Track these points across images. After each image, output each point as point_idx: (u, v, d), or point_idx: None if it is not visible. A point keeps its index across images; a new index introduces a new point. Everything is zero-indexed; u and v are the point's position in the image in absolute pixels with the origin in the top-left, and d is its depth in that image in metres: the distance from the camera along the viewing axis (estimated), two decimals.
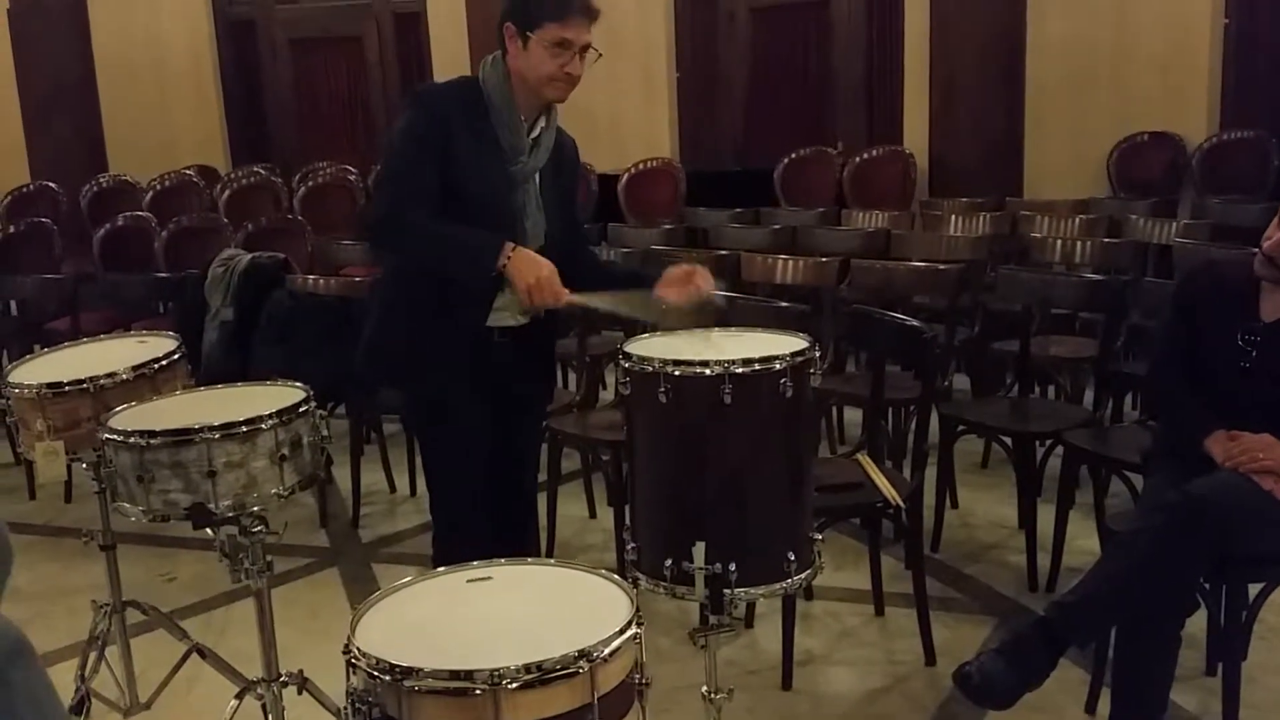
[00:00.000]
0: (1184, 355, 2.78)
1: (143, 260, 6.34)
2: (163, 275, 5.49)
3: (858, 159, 7.56)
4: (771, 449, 2.25)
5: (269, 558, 2.39)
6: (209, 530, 2.37)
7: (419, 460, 3.00)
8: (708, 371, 2.17)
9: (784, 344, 2.31)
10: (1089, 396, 4.73)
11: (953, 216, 6.03)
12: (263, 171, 8.43)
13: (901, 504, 3.08)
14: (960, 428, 3.91)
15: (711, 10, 9.00)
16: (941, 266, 4.34)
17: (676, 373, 2.19)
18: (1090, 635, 2.61)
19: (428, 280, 2.64)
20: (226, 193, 7.77)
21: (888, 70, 8.15)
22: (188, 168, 8.94)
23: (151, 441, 2.22)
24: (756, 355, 2.20)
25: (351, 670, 1.56)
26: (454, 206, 2.58)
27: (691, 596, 2.21)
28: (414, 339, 2.66)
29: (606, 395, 5.10)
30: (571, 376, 5.11)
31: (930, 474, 3.86)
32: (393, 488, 4.94)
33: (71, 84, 9.84)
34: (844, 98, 8.42)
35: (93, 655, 2.93)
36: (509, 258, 2.48)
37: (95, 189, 8.30)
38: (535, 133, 2.68)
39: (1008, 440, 3.89)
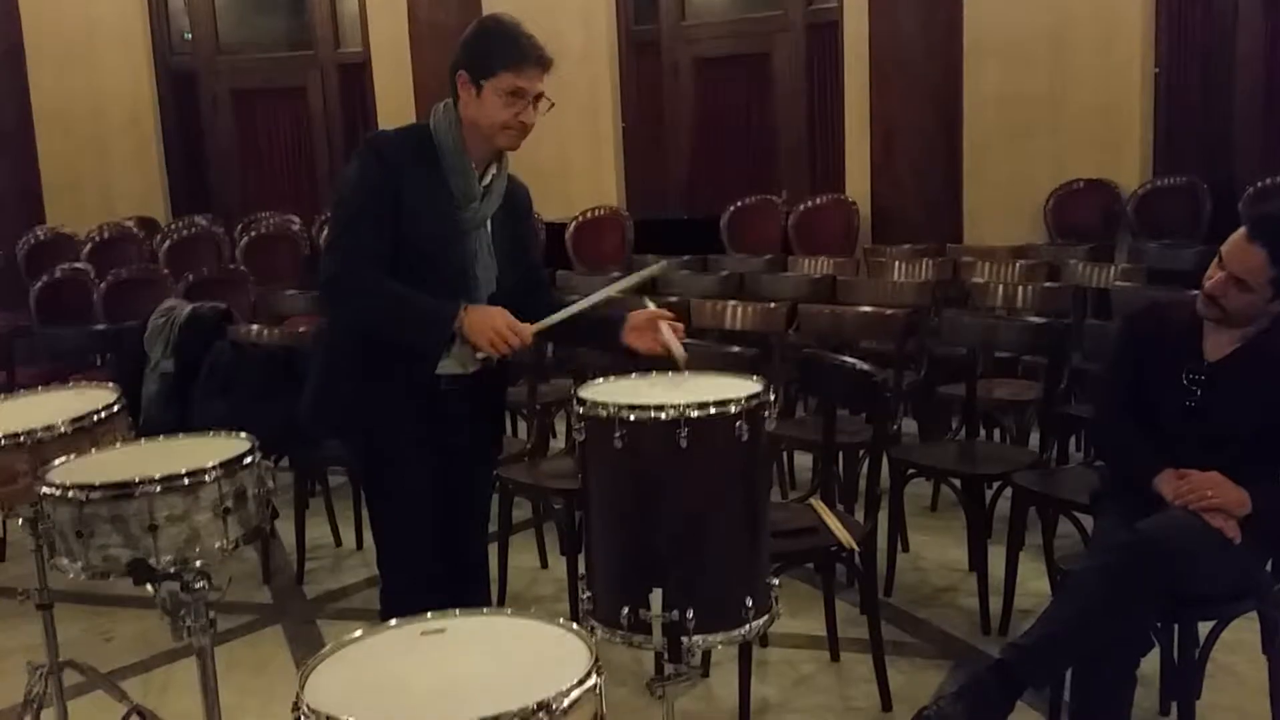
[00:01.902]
0: (1130, 396, 2.81)
1: (81, 313, 6.22)
2: (100, 327, 5.38)
3: (802, 206, 7.66)
4: (728, 493, 2.24)
5: (212, 614, 2.31)
6: (149, 587, 2.29)
7: (365, 513, 2.94)
8: (663, 416, 2.16)
9: (738, 387, 2.30)
10: (1034, 439, 4.79)
11: (896, 262, 6.11)
12: (204, 222, 8.33)
13: (856, 548, 3.07)
14: (910, 471, 3.92)
15: (656, 62, 9.12)
16: (888, 311, 4.38)
17: (631, 418, 2.17)
18: (1047, 677, 2.61)
19: (372, 335, 2.60)
20: (167, 243, 7.67)
21: (828, 120, 8.29)
22: (127, 219, 8.81)
23: (91, 495, 2.15)
24: (712, 399, 2.20)
25: None
26: (404, 253, 2.55)
27: (649, 645, 2.18)
28: (360, 389, 2.62)
29: (557, 444, 5.05)
30: (521, 425, 5.06)
31: (882, 518, 3.87)
32: (339, 541, 4.85)
33: (8, 134, 9.68)
34: (786, 147, 8.54)
35: (29, 718, 2.82)
36: (462, 321, 2.46)
37: (32, 241, 8.14)
38: (487, 180, 2.66)
39: (957, 483, 3.92)
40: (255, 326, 4.81)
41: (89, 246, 7.80)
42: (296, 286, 6.15)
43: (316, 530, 4.78)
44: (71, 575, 2.26)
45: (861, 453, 4.18)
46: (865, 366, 3.24)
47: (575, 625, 1.71)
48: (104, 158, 9.92)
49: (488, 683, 1.57)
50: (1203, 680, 2.66)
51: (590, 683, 1.54)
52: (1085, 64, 7.13)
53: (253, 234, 7.66)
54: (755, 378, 2.38)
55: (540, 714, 1.46)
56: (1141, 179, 7.13)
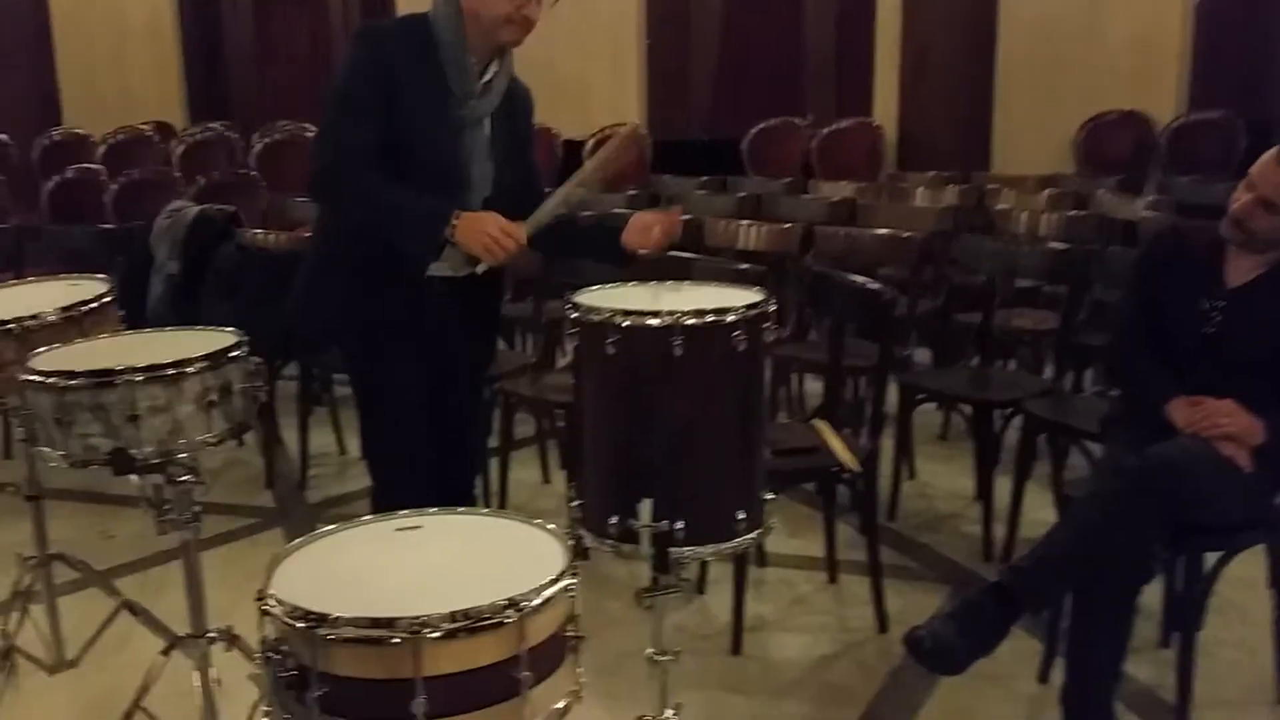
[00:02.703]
0: (1146, 321, 2.72)
1: (92, 214, 6.16)
2: (108, 227, 5.32)
3: (826, 130, 7.49)
4: (722, 404, 2.17)
5: (197, 508, 2.28)
6: (134, 479, 2.27)
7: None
8: (657, 322, 2.09)
9: (738, 297, 2.23)
10: (1050, 371, 4.71)
11: (919, 188, 5.98)
12: (219, 128, 8.23)
13: (857, 469, 3.01)
14: (920, 396, 3.85)
15: None
16: (905, 235, 4.28)
17: (624, 323, 2.10)
18: (1044, 600, 2.55)
19: (364, 233, 2.53)
20: (181, 148, 7.58)
21: (858, 43, 8.07)
22: (144, 124, 8.72)
23: (71, 383, 2.11)
24: (709, 307, 2.13)
25: (266, 619, 1.46)
26: (397, 149, 2.47)
27: (637, 555, 2.14)
28: (350, 289, 2.56)
29: (563, 363, 5.00)
30: (528, 342, 5.01)
31: (889, 445, 3.81)
32: (343, 449, 4.84)
33: (26, 39, 9.57)
34: (814, 70, 8.35)
35: (16, 611, 2.82)
36: (454, 227, 2.37)
37: (47, 142, 8.07)
38: (487, 76, 2.57)
39: (967, 410, 3.85)
40: (262, 231, 4.74)
41: (103, 149, 7.74)
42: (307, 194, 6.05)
43: (322, 439, 4.77)
44: (53, 464, 2.23)
45: (869, 376, 4.12)
46: (874, 285, 3.15)
47: (552, 526, 1.66)
48: (122, 63, 9.81)
49: (459, 578, 1.53)
50: (1204, 612, 2.60)
51: (564, 583, 1.50)
52: None
53: (267, 140, 7.55)
54: (757, 289, 2.30)
55: (509, 610, 1.42)
56: (1176, 112, 6.94)
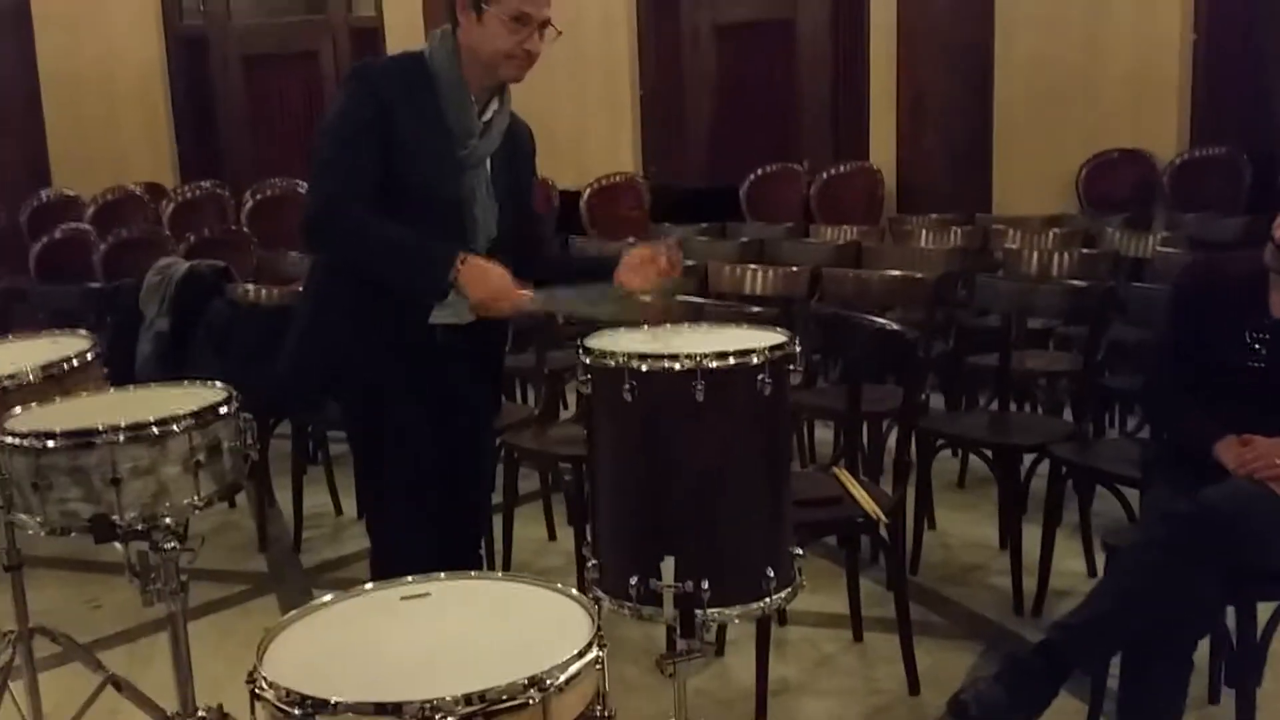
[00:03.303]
0: (1185, 357, 2.59)
1: (80, 273, 6.04)
2: (95, 285, 5.19)
3: (825, 175, 7.42)
4: (748, 453, 2.03)
5: (184, 577, 2.12)
6: (117, 546, 2.11)
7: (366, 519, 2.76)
8: (677, 366, 1.95)
9: (760, 339, 2.10)
10: (1067, 413, 4.57)
11: (923, 231, 5.87)
12: (210, 186, 8.15)
13: (884, 519, 2.86)
14: (939, 442, 3.70)
15: (675, 27, 8.86)
16: (918, 275, 4.15)
17: (643, 368, 1.96)
18: (1098, 659, 2.39)
19: (364, 277, 2.40)
20: (171, 206, 7.48)
21: (853, 89, 8.03)
22: (135, 184, 8.63)
23: (49, 444, 1.96)
24: (732, 348, 1.99)
25: (256, 702, 1.30)
26: (397, 194, 2.35)
27: (659, 618, 1.98)
28: (348, 340, 2.43)
29: (567, 415, 4.86)
30: (530, 394, 4.87)
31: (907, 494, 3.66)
32: (339, 509, 4.67)
33: (15, 100, 9.50)
34: (809, 115, 8.29)
35: None
36: (458, 270, 2.23)
37: (36, 204, 7.97)
38: (487, 115, 2.46)
39: (988, 455, 3.70)
40: (254, 286, 4.61)
41: (93, 209, 7.64)
42: (301, 251, 5.93)
43: (316, 499, 4.61)
44: (30, 531, 2.07)
45: (887, 423, 3.98)
46: (895, 326, 3.02)
47: (575, 591, 1.51)
48: (113, 125, 9.75)
49: (473, 653, 1.37)
50: (1264, 666, 2.44)
51: (591, 655, 1.34)
52: (1121, 30, 6.87)
53: (259, 197, 7.46)
54: (779, 330, 2.17)
55: (532, 691, 1.26)
56: (1178, 149, 6.87)
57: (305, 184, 7.72)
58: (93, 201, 7.87)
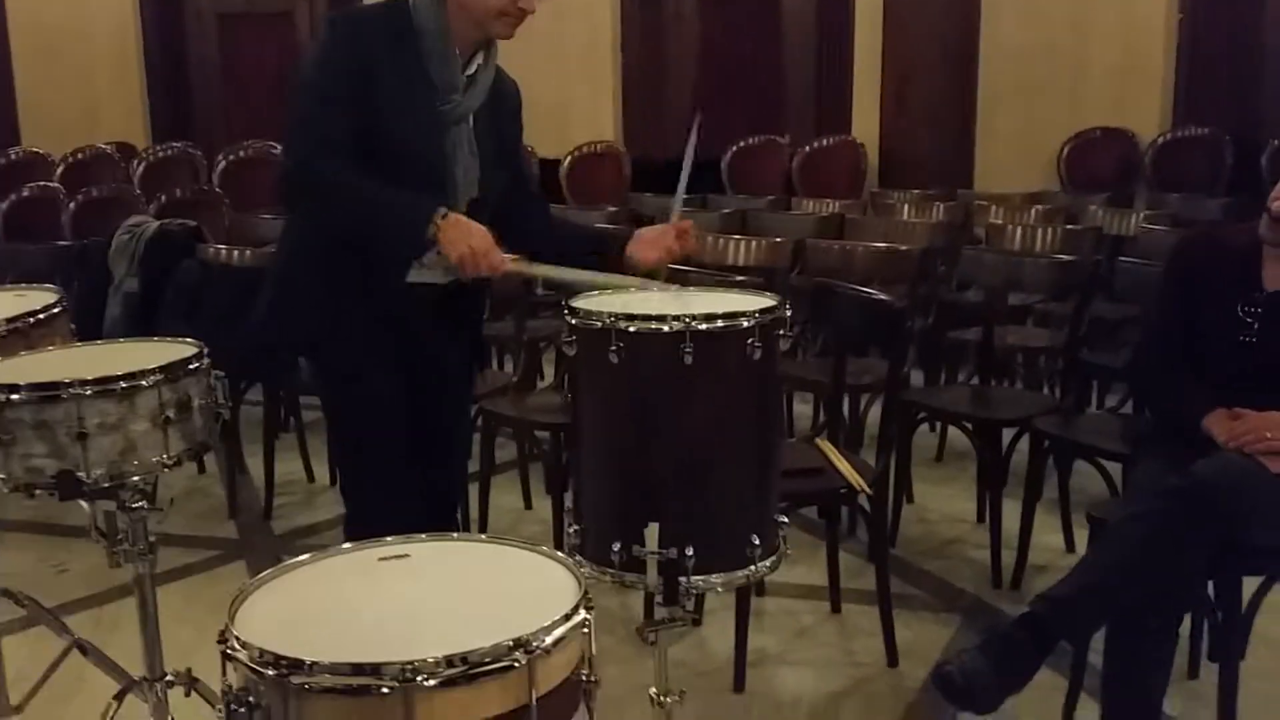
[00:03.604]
0: (1176, 330, 2.56)
1: (49, 234, 5.89)
2: (64, 244, 5.07)
3: (807, 148, 7.36)
4: (736, 418, 1.98)
5: (152, 538, 2.06)
6: (82, 505, 2.04)
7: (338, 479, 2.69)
8: (666, 328, 1.89)
9: (751, 302, 2.04)
10: (1049, 390, 4.55)
11: (905, 205, 5.84)
12: (182, 146, 8.00)
13: (867, 489, 2.83)
14: (920, 415, 3.67)
15: (658, 1, 8.76)
16: (903, 248, 4.11)
17: (631, 329, 1.91)
18: (1084, 631, 2.36)
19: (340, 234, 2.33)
20: (143, 166, 7.33)
21: (837, 65, 7.95)
22: (106, 144, 8.46)
23: (13, 397, 1.89)
24: (721, 310, 1.94)
25: (229, 664, 1.25)
26: (374, 149, 2.26)
27: (642, 585, 1.94)
28: (322, 296, 2.35)
29: (545, 385, 4.80)
30: (508, 363, 4.81)
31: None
32: (311, 477, 4.60)
33: None
34: (793, 89, 8.22)
35: None
36: (438, 226, 2.17)
37: (3, 162, 7.80)
38: (471, 69, 2.37)
39: (969, 428, 3.67)
40: (226, 247, 4.51)
41: (62, 168, 7.47)
42: (274, 211, 5.82)
43: (288, 466, 4.54)
44: None
45: (867, 396, 3.95)
46: (882, 296, 2.98)
47: (560, 554, 1.46)
48: (84, 82, 9.54)
49: (455, 615, 1.32)
50: (1247, 641, 2.42)
51: (578, 618, 1.29)
52: (1106, 9, 6.83)
53: (232, 158, 7.32)
54: (769, 294, 2.12)
55: (517, 653, 1.21)
56: (1161, 129, 6.85)
57: (279, 144, 7.65)
58: (62, 161, 7.70)
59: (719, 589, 2.07)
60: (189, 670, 2.20)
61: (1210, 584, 2.39)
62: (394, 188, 2.23)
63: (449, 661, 1.18)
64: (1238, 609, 2.37)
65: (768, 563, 2.03)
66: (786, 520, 2.10)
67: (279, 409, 4.52)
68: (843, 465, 2.94)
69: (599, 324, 1.93)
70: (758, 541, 2.00)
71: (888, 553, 3.08)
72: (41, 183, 6.51)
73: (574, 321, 1.97)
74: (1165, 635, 2.25)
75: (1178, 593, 2.22)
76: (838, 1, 7.86)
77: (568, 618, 1.28)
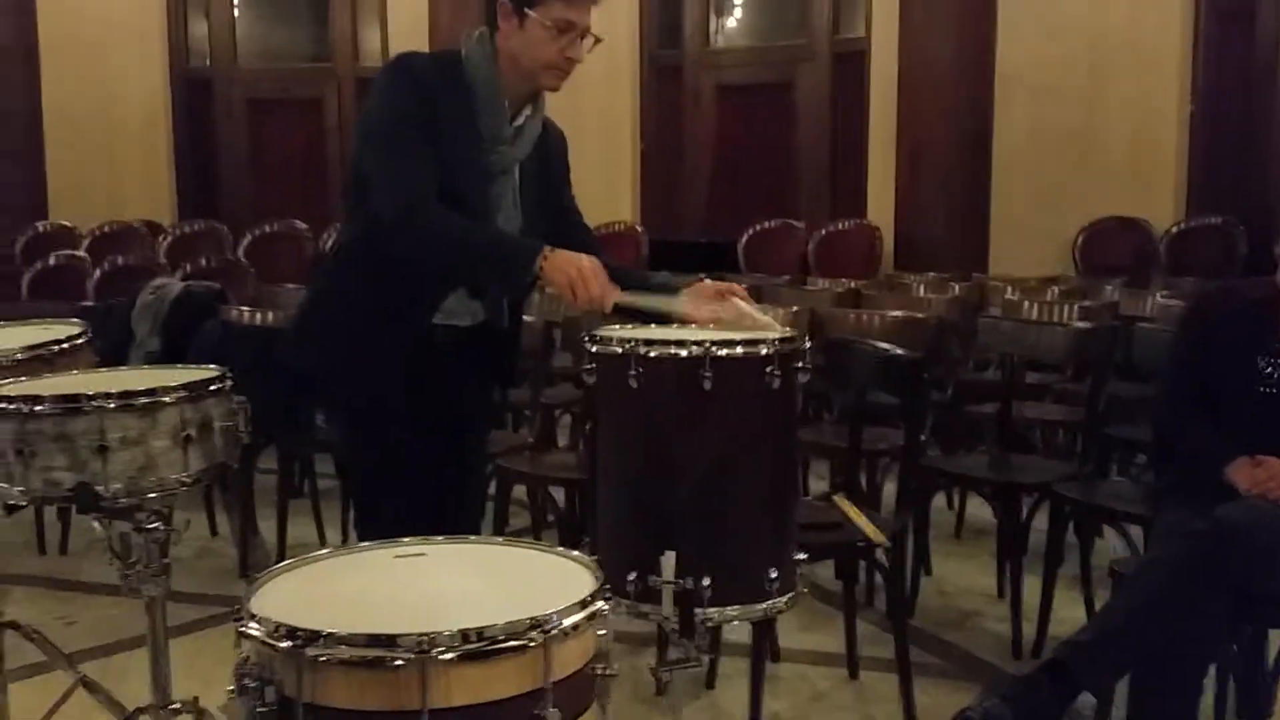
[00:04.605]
0: (1197, 381, 2.55)
1: (75, 300, 5.97)
2: (87, 304, 5.13)
3: (824, 231, 7.45)
4: (755, 446, 1.97)
5: (166, 560, 2.05)
6: (97, 525, 2.04)
7: (352, 514, 2.67)
8: (685, 353, 1.90)
9: (769, 333, 2.06)
10: (1066, 462, 4.51)
11: (920, 286, 5.87)
12: (208, 223, 8.14)
13: (886, 543, 2.79)
14: (940, 479, 3.65)
15: (678, 87, 8.97)
16: (920, 316, 4.13)
17: (650, 354, 1.92)
18: (1106, 678, 2.31)
19: (374, 268, 2.35)
20: (168, 240, 7.46)
21: (851, 150, 8.11)
22: (133, 222, 8.62)
23: (36, 409, 1.90)
24: (740, 338, 1.95)
25: (242, 640, 1.23)
26: None
27: (658, 616, 1.91)
28: (349, 327, 2.37)
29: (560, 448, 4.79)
30: (525, 428, 4.80)
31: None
32: (323, 541, 4.56)
33: (17, 134, 9.51)
34: (807, 176, 8.37)
35: None
36: (545, 258, 2.15)
37: (32, 234, 7.94)
38: (519, 121, 2.39)
39: (985, 506, 3.64)
40: (249, 309, 4.56)
41: (89, 240, 7.60)
42: (300, 282, 5.90)
43: (300, 530, 4.51)
44: (11, 501, 1.99)
45: (886, 460, 3.93)
46: (900, 351, 2.98)
47: (576, 552, 1.44)
48: (113, 162, 9.75)
49: (472, 602, 1.30)
50: (1275, 696, 2.36)
51: (595, 606, 1.27)
52: (1119, 99, 6.96)
53: (256, 233, 7.44)
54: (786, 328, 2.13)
55: (533, 633, 1.19)
56: (1175, 218, 6.92)
57: (302, 223, 7.75)
58: (89, 234, 7.84)
59: (735, 621, 2.05)
60: (196, 699, 2.17)
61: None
62: (491, 226, 2.28)
63: (465, 636, 1.16)
64: (1263, 665, 2.32)
65: (784, 599, 2.00)
66: (805, 557, 2.08)
67: (293, 471, 4.52)
68: (861, 520, 2.91)
69: (619, 349, 1.94)
70: (775, 575, 1.98)
71: (906, 610, 3.03)
72: (69, 252, 6.61)
73: (594, 349, 1.99)
74: (1189, 685, 2.20)
75: (1201, 639, 2.17)
76: (852, 87, 8.04)
77: (584, 605, 1.27)
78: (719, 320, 2.16)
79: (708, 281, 2.34)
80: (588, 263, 2.14)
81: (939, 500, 4.56)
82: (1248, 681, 2.33)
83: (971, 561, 4.26)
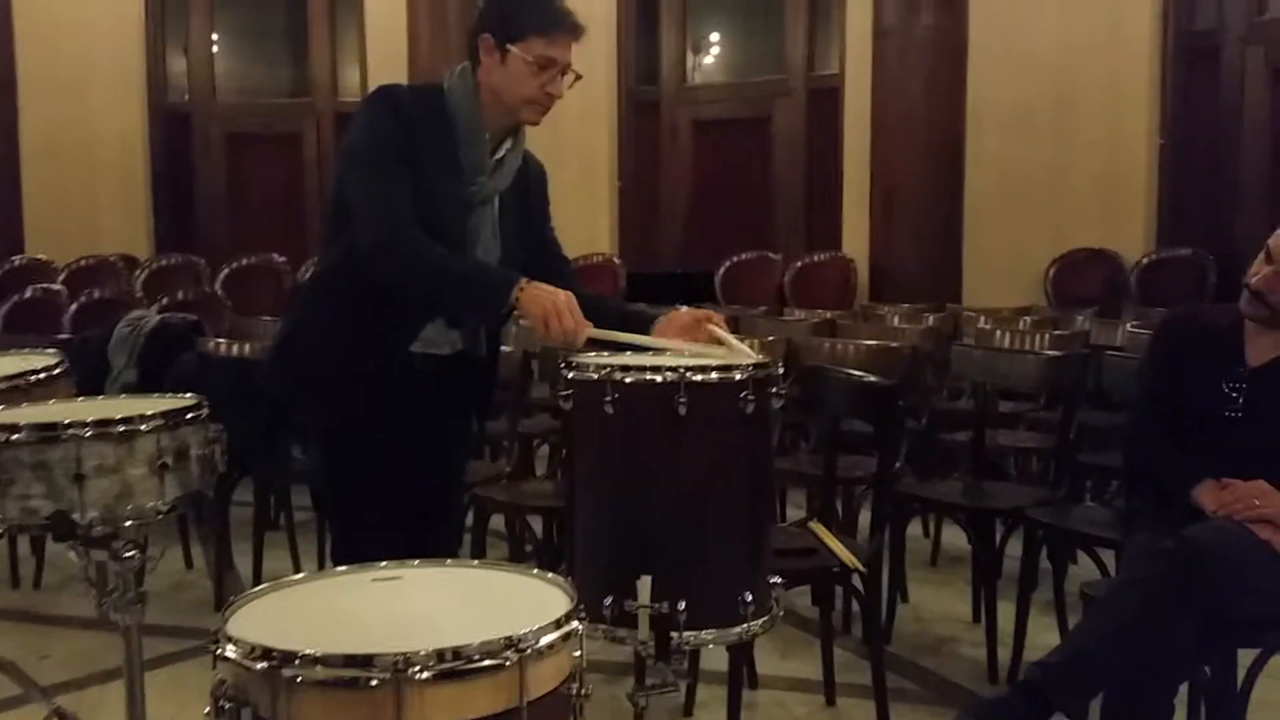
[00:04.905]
0: (1164, 406, 2.60)
1: (50, 333, 5.95)
2: (64, 337, 5.12)
3: (799, 263, 7.52)
4: (729, 471, 1.99)
5: (142, 589, 2.05)
6: (73, 555, 2.04)
7: (329, 546, 2.68)
8: (659, 379, 1.93)
9: (744, 359, 2.08)
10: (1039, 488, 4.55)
11: (895, 317, 5.93)
12: (185, 256, 8.14)
13: (861, 568, 2.81)
14: (915, 505, 3.68)
15: (655, 123, 9.06)
16: (894, 345, 4.17)
17: (625, 379, 1.94)
18: (1078, 698, 2.32)
19: (353, 295, 2.37)
20: (144, 273, 7.45)
21: (827, 184, 8.21)
22: (110, 255, 8.60)
23: (13, 437, 1.90)
24: (715, 364, 1.98)
25: (218, 664, 1.24)
26: None
27: (633, 641, 1.92)
28: (327, 354, 2.38)
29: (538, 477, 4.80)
30: (503, 459, 4.81)
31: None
32: (298, 572, 4.54)
33: None
34: (783, 209, 8.45)
35: None
36: (521, 289, 2.19)
37: (7, 268, 7.92)
38: (499, 154, 2.43)
39: (962, 524, 3.67)
40: (225, 340, 4.56)
41: (65, 274, 7.59)
42: (276, 315, 5.89)
43: (277, 563, 4.49)
44: None
45: (861, 488, 3.96)
46: (873, 378, 3.02)
47: (553, 574, 1.46)
48: (90, 197, 9.73)
49: (448, 622, 1.32)
50: (1245, 713, 2.39)
51: (570, 626, 1.29)
52: (1089, 133, 7.08)
53: (234, 266, 7.45)
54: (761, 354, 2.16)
55: (508, 653, 1.21)
56: (1145, 249, 7.02)
57: (279, 256, 7.75)
58: (65, 267, 7.82)
59: (710, 645, 2.06)
60: None
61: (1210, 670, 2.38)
62: (470, 258, 2.31)
63: (440, 655, 1.18)
64: (1233, 683, 2.35)
65: (760, 622, 2.02)
66: (780, 580, 2.10)
67: (269, 504, 4.51)
68: (836, 546, 2.93)
69: (594, 375, 1.96)
70: (750, 599, 1.99)
71: (882, 635, 3.05)
72: (44, 285, 6.59)
73: (570, 375, 2.01)
74: (1160, 705, 2.23)
75: (1172, 658, 2.20)
76: (827, 122, 8.15)
77: (559, 625, 1.28)
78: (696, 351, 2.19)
79: (684, 309, 2.37)
80: (563, 297, 2.17)
81: (915, 529, 4.59)
82: (1219, 702, 2.35)
83: (947, 589, 4.29)
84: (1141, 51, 6.95)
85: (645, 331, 2.33)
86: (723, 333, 2.26)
